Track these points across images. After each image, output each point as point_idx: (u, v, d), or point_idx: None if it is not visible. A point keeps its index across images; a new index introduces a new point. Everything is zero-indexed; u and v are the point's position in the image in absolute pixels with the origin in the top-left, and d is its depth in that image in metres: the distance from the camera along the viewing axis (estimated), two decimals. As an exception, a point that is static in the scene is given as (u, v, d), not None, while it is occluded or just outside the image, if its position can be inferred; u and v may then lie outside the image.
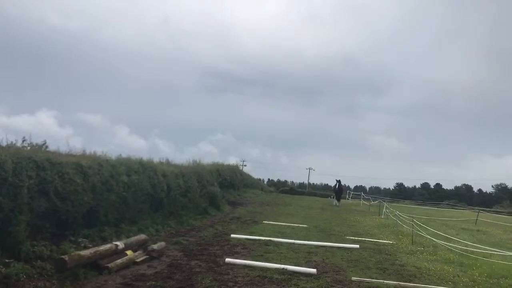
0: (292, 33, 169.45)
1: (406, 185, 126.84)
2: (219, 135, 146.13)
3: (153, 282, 8.42)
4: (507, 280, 10.74)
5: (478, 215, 30.06)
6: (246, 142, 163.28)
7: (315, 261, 11.59)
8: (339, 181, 37.36)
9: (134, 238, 11.00)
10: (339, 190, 37.24)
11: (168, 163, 21.07)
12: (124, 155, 15.97)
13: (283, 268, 10.04)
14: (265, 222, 19.47)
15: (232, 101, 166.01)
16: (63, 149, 12.73)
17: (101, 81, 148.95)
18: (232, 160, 48.95)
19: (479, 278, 10.90)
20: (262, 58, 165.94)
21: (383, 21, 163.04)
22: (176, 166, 21.48)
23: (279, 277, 9.41)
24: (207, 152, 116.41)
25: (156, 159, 19.58)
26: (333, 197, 39.29)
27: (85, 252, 8.59)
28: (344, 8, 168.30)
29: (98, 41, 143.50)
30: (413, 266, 11.91)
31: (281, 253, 12.29)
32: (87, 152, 13.56)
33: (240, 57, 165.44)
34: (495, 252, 13.65)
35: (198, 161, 26.75)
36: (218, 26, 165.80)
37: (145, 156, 17.61)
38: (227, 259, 10.66)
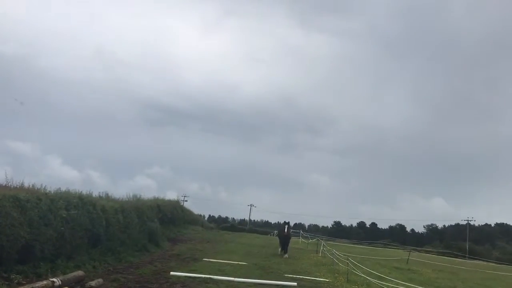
0: (234, 70, 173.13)
1: (343, 224, 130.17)
2: (156, 169, 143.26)
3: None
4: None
5: (409, 255, 31.47)
6: (185, 176, 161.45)
7: (253, 298, 11.78)
8: (287, 224, 26.63)
9: (71, 275, 10.77)
10: (287, 234, 26.12)
11: (107, 198, 20.74)
12: (55, 187, 15.53)
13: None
14: (205, 259, 19.43)
15: (172, 135, 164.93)
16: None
17: (33, 108, 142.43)
18: (171, 195, 48.38)
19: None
20: (203, 93, 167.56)
21: (321, 64, 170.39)
22: (115, 201, 21.17)
23: (218, 314, 9.53)
24: (145, 185, 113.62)
25: (93, 192, 19.27)
26: (274, 235, 37.94)
27: (19, 289, 8.37)
28: (283, 50, 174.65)
29: (32, 68, 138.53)
30: (347, 304, 12.40)
31: (220, 290, 12.40)
32: (25, 184, 13.24)
33: (181, 91, 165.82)
34: (423, 290, 14.48)
35: (138, 196, 26.40)
36: (159, 60, 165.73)
37: (79, 188, 17.27)
38: (167, 297, 10.64)
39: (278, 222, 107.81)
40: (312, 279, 16.53)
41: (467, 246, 71.99)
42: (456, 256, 53.84)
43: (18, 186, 12.79)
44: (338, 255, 21.70)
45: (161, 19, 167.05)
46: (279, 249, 26.35)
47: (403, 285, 15.23)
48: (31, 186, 13.52)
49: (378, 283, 15.71)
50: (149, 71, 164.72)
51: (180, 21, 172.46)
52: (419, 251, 54.14)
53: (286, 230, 26.05)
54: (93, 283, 10.68)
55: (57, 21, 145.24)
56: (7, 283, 9.72)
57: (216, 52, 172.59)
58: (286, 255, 24.60)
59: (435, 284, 19.24)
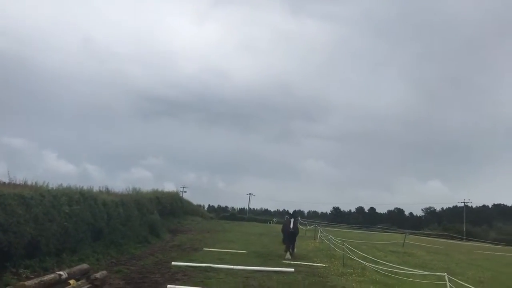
0: (228, 59, 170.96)
1: (342, 209, 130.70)
2: (153, 160, 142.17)
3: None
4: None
5: (405, 238, 32.07)
6: (182, 166, 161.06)
7: (252, 285, 12.29)
8: (292, 215, 21.31)
9: (76, 268, 11.19)
10: (294, 231, 20.07)
11: (108, 192, 21.20)
12: (52, 181, 15.87)
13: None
14: (206, 249, 19.95)
15: (167, 125, 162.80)
16: (3, 179, 12.82)
17: (26, 103, 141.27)
18: (169, 186, 48.68)
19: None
20: (198, 83, 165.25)
21: (316, 51, 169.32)
22: (116, 194, 21.65)
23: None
24: (142, 177, 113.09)
25: (94, 187, 19.72)
26: (273, 222, 38.30)
27: (29, 283, 8.78)
28: (277, 37, 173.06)
29: (23, 63, 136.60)
30: (343, 287, 12.93)
31: (221, 278, 12.89)
32: (29, 182, 13.66)
33: (175, 81, 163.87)
34: (417, 272, 15.00)
35: (137, 189, 26.93)
36: (152, 50, 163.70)
37: (76, 182, 17.78)
38: (169, 286, 11.13)
39: (277, 210, 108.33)
40: (309, 265, 17.06)
41: (464, 228, 72.88)
42: (453, 238, 54.65)
43: (21, 184, 13.21)
44: (335, 240, 22.22)
45: (153, 9, 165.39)
46: (285, 252, 19.37)
47: (397, 268, 15.73)
48: (34, 183, 13.94)
49: (373, 266, 16.23)
50: (142, 62, 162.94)
51: (172, 10, 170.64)
52: (416, 234, 54.92)
53: (292, 225, 19.89)
54: (98, 275, 11.10)
55: (47, 15, 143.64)
56: (16, 277, 10.17)
57: (210, 41, 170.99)
58: (294, 251, 20.19)
59: (429, 266, 19.77)
